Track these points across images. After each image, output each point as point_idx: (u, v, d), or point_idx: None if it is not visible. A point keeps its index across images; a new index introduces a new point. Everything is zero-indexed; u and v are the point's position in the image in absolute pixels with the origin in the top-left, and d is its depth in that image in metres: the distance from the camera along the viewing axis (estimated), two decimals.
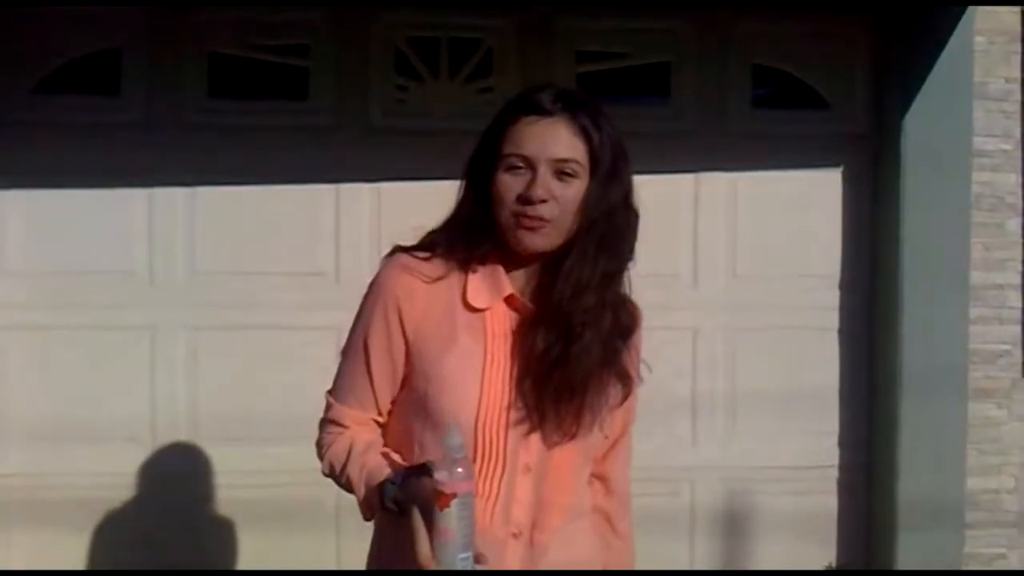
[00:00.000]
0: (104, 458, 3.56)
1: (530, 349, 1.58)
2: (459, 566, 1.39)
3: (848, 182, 3.87)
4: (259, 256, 3.62)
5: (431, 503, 1.40)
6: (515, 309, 1.62)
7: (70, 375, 3.57)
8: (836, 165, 3.87)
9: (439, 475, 1.39)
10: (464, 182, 1.64)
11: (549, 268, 1.60)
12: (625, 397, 1.66)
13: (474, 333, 1.59)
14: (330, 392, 1.71)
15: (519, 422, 1.57)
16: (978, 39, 3.69)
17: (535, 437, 1.58)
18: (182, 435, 3.62)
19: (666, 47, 3.80)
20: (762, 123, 3.85)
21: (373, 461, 1.59)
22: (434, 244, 1.63)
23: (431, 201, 3.35)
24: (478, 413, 1.56)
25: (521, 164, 1.56)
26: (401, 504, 1.49)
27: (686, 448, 3.79)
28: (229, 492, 3.63)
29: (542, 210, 1.54)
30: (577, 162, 1.56)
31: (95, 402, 3.57)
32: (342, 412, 1.67)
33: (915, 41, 3.66)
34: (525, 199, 1.54)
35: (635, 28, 3.76)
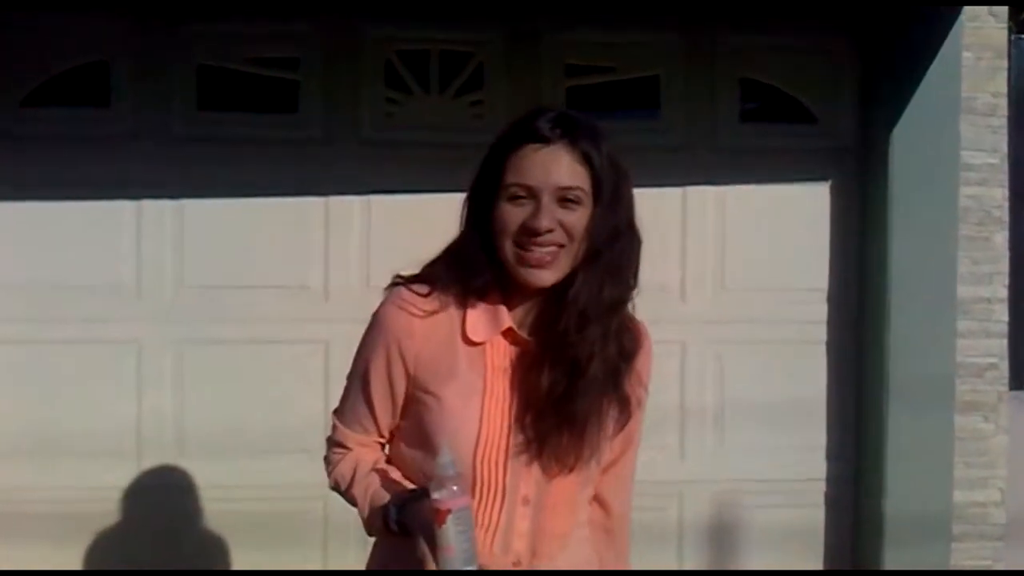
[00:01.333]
0: (90, 472, 3.54)
1: (535, 384, 1.57)
2: None
3: (836, 196, 3.88)
4: (247, 270, 3.61)
5: (431, 525, 1.43)
6: (514, 342, 1.62)
7: (56, 389, 3.55)
8: (824, 179, 3.88)
9: (435, 494, 1.42)
10: (465, 211, 1.63)
11: (551, 297, 1.58)
12: (623, 424, 1.66)
13: (474, 367, 1.60)
14: (336, 413, 1.75)
15: (518, 454, 1.57)
16: (965, 54, 3.70)
17: (534, 469, 1.59)
18: (168, 449, 3.60)
19: (655, 61, 3.81)
20: (750, 137, 3.86)
21: (376, 483, 1.63)
22: (433, 277, 1.62)
23: (421, 215, 3.36)
24: (477, 446, 1.56)
25: (523, 194, 1.53)
26: (402, 526, 1.54)
27: (674, 461, 3.79)
28: (215, 506, 3.61)
29: (548, 239, 1.52)
30: (581, 189, 1.54)
31: (81, 416, 3.55)
32: (346, 435, 1.72)
33: (902, 56, 3.67)
34: (531, 231, 1.52)
35: (624, 42, 3.77)
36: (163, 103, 3.60)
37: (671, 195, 3.79)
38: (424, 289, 1.61)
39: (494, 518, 1.58)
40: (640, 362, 1.68)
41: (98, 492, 3.55)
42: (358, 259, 3.63)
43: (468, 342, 1.60)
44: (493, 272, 1.59)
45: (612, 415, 1.63)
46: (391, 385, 1.63)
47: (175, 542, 3.60)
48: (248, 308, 3.61)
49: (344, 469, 1.69)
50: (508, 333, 1.61)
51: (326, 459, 1.75)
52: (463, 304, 1.61)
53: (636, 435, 1.75)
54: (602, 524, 1.78)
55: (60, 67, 3.57)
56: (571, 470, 1.59)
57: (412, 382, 1.62)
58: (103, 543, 3.57)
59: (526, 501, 1.60)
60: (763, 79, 3.87)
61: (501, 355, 1.61)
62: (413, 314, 1.60)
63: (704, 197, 3.82)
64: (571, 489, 1.63)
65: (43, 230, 3.55)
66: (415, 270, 1.67)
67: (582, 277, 1.56)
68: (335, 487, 1.72)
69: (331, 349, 3.52)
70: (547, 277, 1.55)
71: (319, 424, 1.75)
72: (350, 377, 1.71)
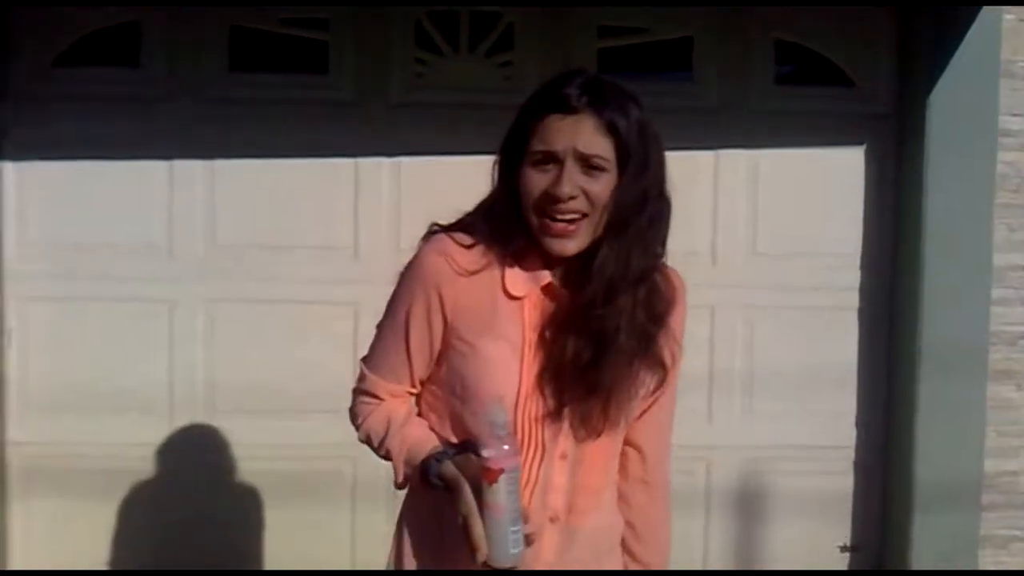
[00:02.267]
0: (122, 429, 3.59)
1: (560, 352, 1.57)
2: (510, 539, 1.43)
3: (871, 161, 3.83)
4: (278, 230, 3.63)
5: (479, 480, 1.43)
6: (552, 299, 1.61)
7: (89, 347, 3.60)
8: (859, 143, 3.83)
9: (486, 452, 1.42)
10: (496, 174, 1.63)
11: (578, 259, 1.57)
12: (659, 384, 1.65)
13: (513, 320, 1.59)
14: (364, 361, 1.72)
15: (549, 415, 1.58)
16: (1006, 16, 3.63)
17: (565, 428, 1.59)
18: (200, 407, 3.65)
19: (688, 22, 3.76)
20: (784, 100, 3.80)
21: (413, 436, 1.63)
22: (473, 228, 1.62)
23: (450, 175, 3.34)
24: (517, 400, 1.57)
25: (547, 160, 1.53)
26: (446, 480, 1.52)
27: (702, 426, 3.79)
28: (246, 464, 3.66)
29: (571, 206, 1.52)
30: (603, 157, 1.53)
31: (114, 374, 3.60)
32: (377, 384, 1.69)
33: (941, 19, 3.61)
34: (553, 197, 1.52)
35: (657, 2, 3.72)
36: (194, 63, 3.60)
37: (703, 158, 3.75)
38: (467, 240, 1.61)
39: (533, 473, 1.59)
40: (674, 318, 1.67)
41: (130, 448, 3.60)
42: (387, 220, 3.64)
43: (508, 295, 1.60)
44: (526, 232, 1.58)
45: (644, 377, 1.63)
46: (430, 331, 1.62)
47: (204, 498, 3.65)
48: (278, 268, 3.63)
49: (376, 422, 1.67)
50: (547, 289, 1.61)
51: (352, 410, 1.72)
52: (503, 257, 1.60)
53: (672, 383, 1.72)
54: (640, 476, 1.77)
55: (91, 27, 3.57)
56: (599, 434, 1.60)
57: (450, 330, 1.61)
58: (134, 498, 3.63)
59: (563, 456, 1.61)
60: (798, 41, 3.81)
61: (538, 310, 1.61)
62: (454, 261, 1.59)
63: (737, 161, 3.78)
64: (606, 448, 1.65)
65: (75, 190, 3.57)
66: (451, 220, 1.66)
67: (608, 247, 1.55)
68: (366, 440, 1.70)
69: (360, 309, 3.53)
70: (569, 247, 1.55)
71: (348, 385, 1.75)
72: (382, 325, 1.69)
